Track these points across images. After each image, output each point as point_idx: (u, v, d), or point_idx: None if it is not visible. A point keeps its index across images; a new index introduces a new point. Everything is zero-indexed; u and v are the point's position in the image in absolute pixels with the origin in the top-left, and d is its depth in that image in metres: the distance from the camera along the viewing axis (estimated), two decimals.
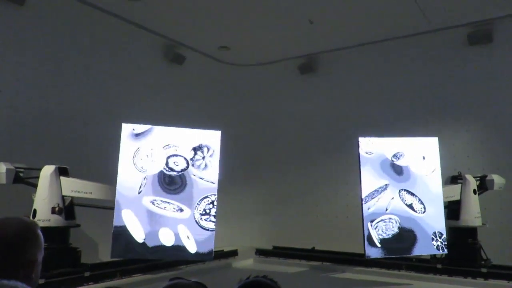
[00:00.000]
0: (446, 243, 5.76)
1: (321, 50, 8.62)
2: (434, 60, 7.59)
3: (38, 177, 5.39)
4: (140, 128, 5.52)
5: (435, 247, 5.72)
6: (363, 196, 5.70)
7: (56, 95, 6.36)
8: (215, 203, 5.52)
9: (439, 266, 5.98)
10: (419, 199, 5.78)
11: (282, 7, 6.69)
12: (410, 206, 5.76)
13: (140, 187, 5.34)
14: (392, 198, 5.75)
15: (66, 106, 6.48)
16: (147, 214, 5.34)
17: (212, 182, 5.56)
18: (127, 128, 5.48)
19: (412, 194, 5.80)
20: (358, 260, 6.49)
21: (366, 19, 7.09)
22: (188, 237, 5.37)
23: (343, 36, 7.88)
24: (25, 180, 5.39)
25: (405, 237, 5.68)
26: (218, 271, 6.59)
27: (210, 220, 5.48)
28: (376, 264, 6.40)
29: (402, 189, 5.80)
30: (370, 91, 8.24)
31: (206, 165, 5.61)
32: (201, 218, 5.47)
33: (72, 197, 5.40)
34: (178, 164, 5.52)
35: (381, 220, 5.67)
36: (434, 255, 6.13)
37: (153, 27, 7.61)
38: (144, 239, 5.26)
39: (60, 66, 6.46)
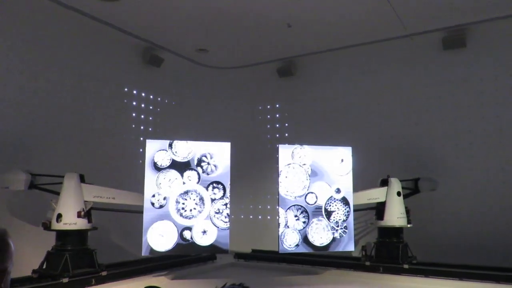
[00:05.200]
0: (346, 230, 6.52)
1: (298, 54, 8.67)
2: (411, 64, 7.89)
3: (52, 184, 5.74)
4: (162, 162, 6.22)
5: (338, 235, 6.50)
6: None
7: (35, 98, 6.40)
8: (228, 205, 6.39)
9: (367, 263, 6.48)
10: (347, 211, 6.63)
11: (260, 10, 6.69)
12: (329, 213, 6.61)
13: (161, 206, 6.12)
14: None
15: (44, 110, 6.50)
16: (171, 227, 6.14)
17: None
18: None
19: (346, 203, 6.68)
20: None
21: (343, 23, 7.16)
22: (204, 232, 6.28)
23: (321, 40, 7.93)
24: (37, 186, 5.70)
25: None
26: (197, 275, 6.59)
27: (221, 220, 6.34)
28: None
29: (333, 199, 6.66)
30: (347, 95, 8.47)
31: (216, 166, 6.42)
32: (214, 216, 6.32)
33: (93, 202, 5.80)
34: (191, 180, 6.31)
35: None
36: (365, 253, 6.64)
37: (130, 29, 7.51)
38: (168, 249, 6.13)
39: (36, 68, 6.40)
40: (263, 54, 8.77)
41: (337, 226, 6.56)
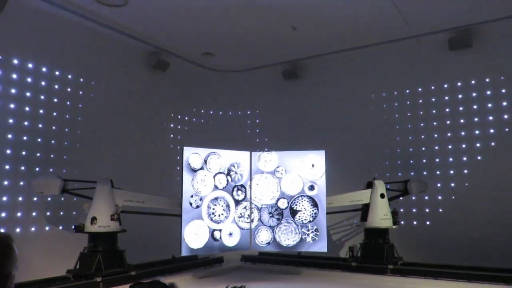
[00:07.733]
0: (318, 233, 6.57)
1: (303, 56, 8.66)
2: (417, 65, 7.88)
3: (84, 189, 6.09)
4: (195, 164, 6.50)
5: (310, 239, 6.60)
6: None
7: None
8: (247, 207, 6.80)
9: (354, 264, 6.61)
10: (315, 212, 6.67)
11: (265, 13, 6.69)
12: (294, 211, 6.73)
13: (198, 206, 6.46)
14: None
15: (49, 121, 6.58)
16: (203, 228, 6.49)
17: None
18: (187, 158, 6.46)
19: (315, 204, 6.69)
20: (341, 264, 6.91)
21: (348, 25, 7.16)
22: (231, 234, 6.70)
23: (326, 42, 7.90)
24: (69, 191, 6.05)
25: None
26: (203, 278, 6.66)
27: (244, 222, 6.78)
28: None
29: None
30: (353, 97, 8.49)
31: (241, 175, 6.83)
32: (239, 220, 6.73)
33: (122, 206, 6.13)
34: (221, 183, 6.69)
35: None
36: (352, 254, 6.77)
37: (136, 33, 7.48)
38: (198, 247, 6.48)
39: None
40: (268, 57, 8.74)
41: (308, 230, 6.67)
